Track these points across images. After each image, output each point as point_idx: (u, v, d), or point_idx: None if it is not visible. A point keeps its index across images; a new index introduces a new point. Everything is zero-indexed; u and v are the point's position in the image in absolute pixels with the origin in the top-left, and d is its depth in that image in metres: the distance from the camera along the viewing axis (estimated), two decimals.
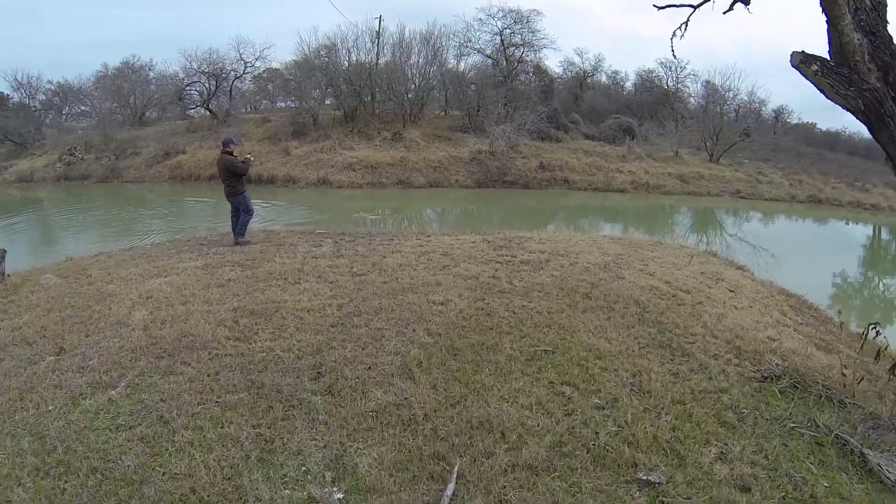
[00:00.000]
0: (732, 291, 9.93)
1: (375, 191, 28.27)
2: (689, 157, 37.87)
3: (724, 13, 5.55)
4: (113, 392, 5.23)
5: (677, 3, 5.86)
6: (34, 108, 50.51)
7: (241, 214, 11.95)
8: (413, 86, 37.31)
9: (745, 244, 20.01)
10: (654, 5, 5.62)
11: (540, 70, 41.25)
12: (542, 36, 39.96)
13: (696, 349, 6.54)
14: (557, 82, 44.93)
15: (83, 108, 48.78)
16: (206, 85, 43.86)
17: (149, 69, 46.56)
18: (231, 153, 11.61)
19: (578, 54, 49.56)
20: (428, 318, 6.98)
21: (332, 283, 8.55)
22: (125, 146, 37.63)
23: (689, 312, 7.86)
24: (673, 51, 5.19)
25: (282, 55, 43.61)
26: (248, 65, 44.13)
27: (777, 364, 6.18)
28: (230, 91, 44.30)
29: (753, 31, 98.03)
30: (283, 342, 6.25)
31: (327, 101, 39.43)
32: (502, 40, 39.66)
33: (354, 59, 38.00)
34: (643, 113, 44.93)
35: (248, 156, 12.19)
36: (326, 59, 37.59)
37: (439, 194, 27.91)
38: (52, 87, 51.51)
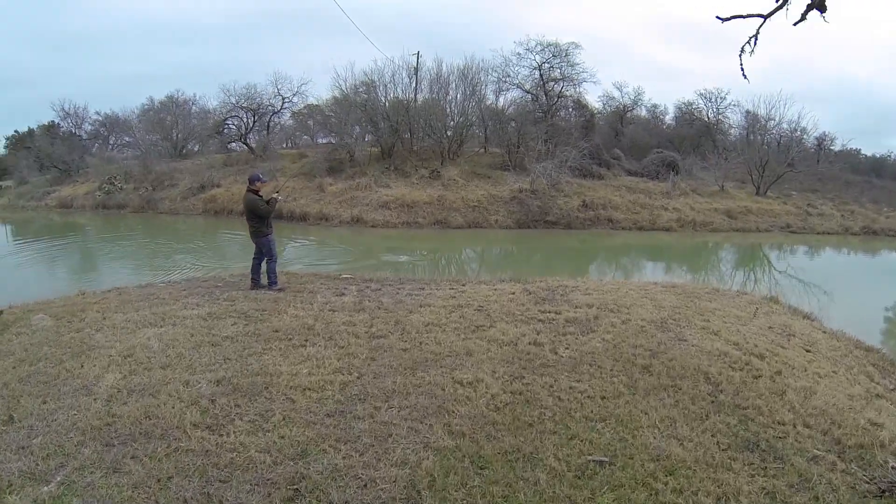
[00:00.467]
0: (809, 351, 8.72)
1: (411, 231, 26.88)
2: (734, 191, 35.99)
3: (796, 24, 4.44)
4: (44, 489, 4.32)
5: (744, 14, 4.75)
6: (81, 138, 52.61)
7: (262, 258, 11.15)
8: (451, 122, 36.28)
9: (801, 283, 18.37)
10: (718, 17, 4.55)
11: (580, 105, 40.03)
12: (581, 69, 38.47)
13: (789, 448, 5.25)
14: (597, 117, 43.69)
15: (128, 139, 49.22)
16: (245, 119, 43.69)
17: (192, 103, 46.80)
18: (256, 191, 10.78)
19: (618, 88, 47.50)
20: (451, 407, 5.79)
21: (342, 347, 7.52)
22: (163, 178, 37.85)
23: (769, 388, 6.66)
24: (742, 69, 4.15)
25: (319, 91, 43.80)
26: (286, 100, 43.68)
27: (893, 467, 4.86)
28: (268, 126, 44.12)
29: (782, 57, 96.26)
30: (261, 437, 5.14)
31: (366, 138, 38.59)
32: (541, 75, 38.41)
33: (392, 95, 36.97)
34: (685, 146, 43.39)
35: (276, 195, 11.23)
36: (365, 95, 36.50)
37: (478, 235, 26.46)
38: (100, 118, 53.76)
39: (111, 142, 52.44)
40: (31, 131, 55.23)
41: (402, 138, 36.13)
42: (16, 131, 58.78)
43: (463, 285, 11.95)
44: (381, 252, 21.27)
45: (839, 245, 29.31)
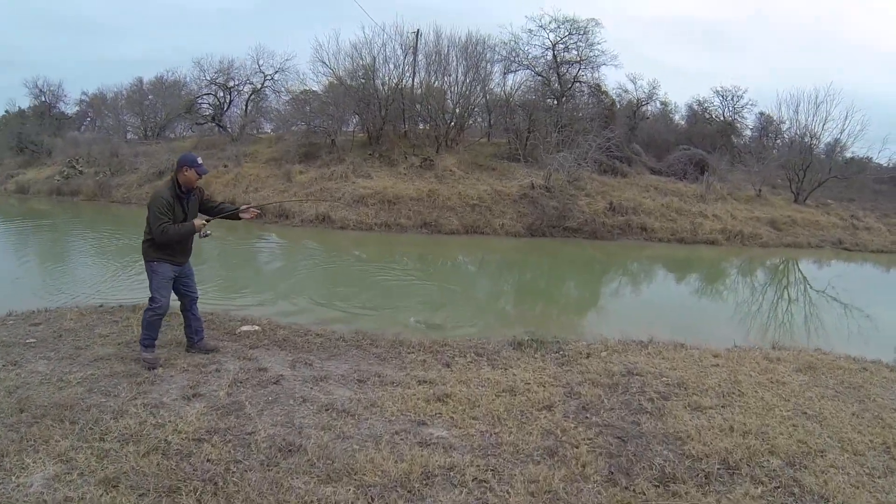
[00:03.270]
0: None
1: (391, 235, 19.36)
2: (772, 198, 28.92)
3: None
4: None
5: None
6: (59, 117, 48.36)
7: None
8: (450, 103, 29.05)
9: None
10: None
11: (599, 91, 32.08)
12: (600, 51, 30.38)
13: None
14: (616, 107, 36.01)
15: (110, 120, 44.07)
16: (220, 97, 37.77)
17: (182, 86, 40.52)
18: (178, 183, 6.12)
19: (632, 80, 40.00)
20: None
21: None
22: (125, 162, 32.02)
23: None
24: None
25: (304, 66, 37.27)
26: (268, 77, 36.76)
27: None
28: (246, 105, 37.54)
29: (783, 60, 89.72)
30: None
31: (354, 121, 31.48)
32: (555, 55, 30.31)
33: (384, 72, 29.48)
34: (704, 145, 36.28)
35: (204, 222, 6.36)
36: (363, 80, 28.96)
37: (477, 244, 18.30)
38: (86, 98, 49.58)
39: (97, 123, 47.27)
40: (21, 112, 49.95)
41: (392, 122, 28.83)
42: (6, 111, 52.37)
43: (447, 366, 6.78)
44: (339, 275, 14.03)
45: None
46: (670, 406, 5.61)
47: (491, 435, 4.81)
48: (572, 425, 5.02)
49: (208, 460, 4.35)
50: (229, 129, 35.14)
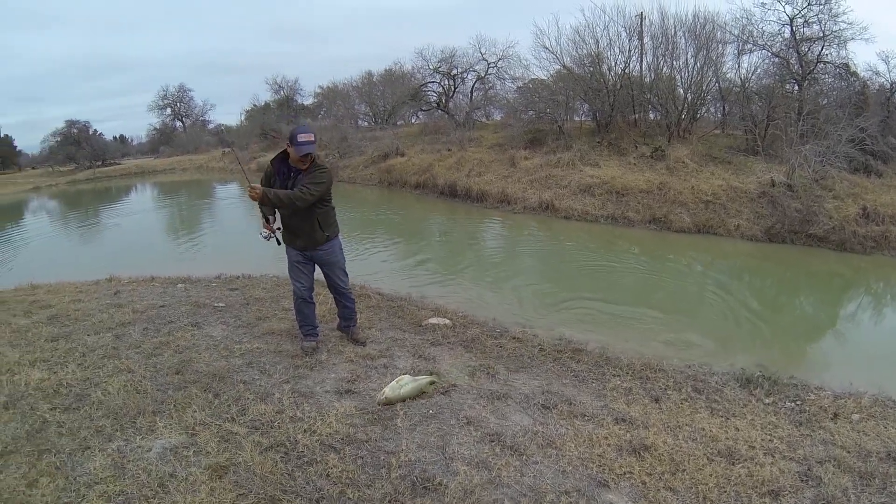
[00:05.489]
0: None
1: (617, 228, 17.86)
2: None
3: None
4: None
5: None
6: (303, 108, 55.53)
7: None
8: (681, 90, 26.71)
9: None
10: None
11: (847, 72, 27.77)
12: (846, 23, 25.02)
13: None
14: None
15: (342, 109, 48.82)
16: (444, 85, 38.90)
17: (411, 77, 42.37)
18: (286, 154, 5.72)
19: (884, 59, 34.32)
20: None
21: None
22: (353, 146, 34.75)
23: None
24: None
25: (524, 51, 37.65)
26: (491, 65, 36.89)
27: None
28: (471, 92, 38.10)
29: None
30: None
31: (583, 111, 30.13)
32: (793, 31, 26.49)
33: (609, 58, 27.80)
34: None
35: (268, 223, 5.97)
36: (590, 67, 27.68)
37: (709, 245, 16.07)
38: (321, 91, 54.55)
39: (333, 112, 51.14)
40: (266, 105, 58.12)
41: (621, 110, 27.10)
42: (254, 105, 61.23)
43: (655, 400, 5.52)
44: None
45: None
46: None
47: None
48: None
49: (326, 476, 3.89)
50: (455, 116, 35.39)
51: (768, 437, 4.67)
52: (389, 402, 4.83)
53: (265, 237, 5.90)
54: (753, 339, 8.39)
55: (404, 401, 4.87)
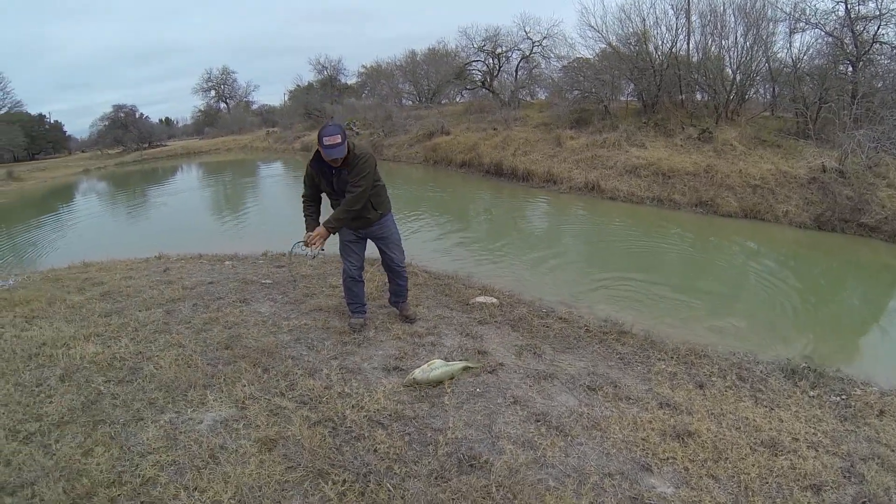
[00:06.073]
0: None
1: (662, 211, 17.65)
2: None
3: None
4: None
5: None
6: (347, 87, 56.66)
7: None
8: (729, 70, 25.96)
9: None
10: None
11: None
12: None
13: None
14: None
15: (386, 88, 49.15)
16: (488, 64, 39.14)
17: (455, 56, 42.94)
18: (319, 153, 5.49)
19: None
20: None
21: None
22: (397, 125, 34.82)
23: None
24: None
25: (569, 29, 36.89)
26: (536, 43, 36.71)
27: None
28: (516, 71, 37.98)
29: None
30: None
31: (629, 90, 29.65)
32: (848, 9, 25.17)
33: (655, 36, 27.36)
34: None
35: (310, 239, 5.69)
36: (636, 46, 27.35)
37: (756, 231, 15.64)
38: (364, 70, 55.53)
39: (376, 91, 51.68)
40: (310, 85, 59.65)
41: (668, 90, 26.63)
42: (297, 85, 62.79)
43: (700, 387, 5.56)
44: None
45: None
46: None
47: None
48: None
49: (374, 451, 4.02)
50: (500, 95, 35.27)
51: (812, 431, 4.67)
52: (417, 384, 4.93)
53: (312, 255, 5.81)
54: (799, 330, 8.30)
55: (433, 385, 4.95)
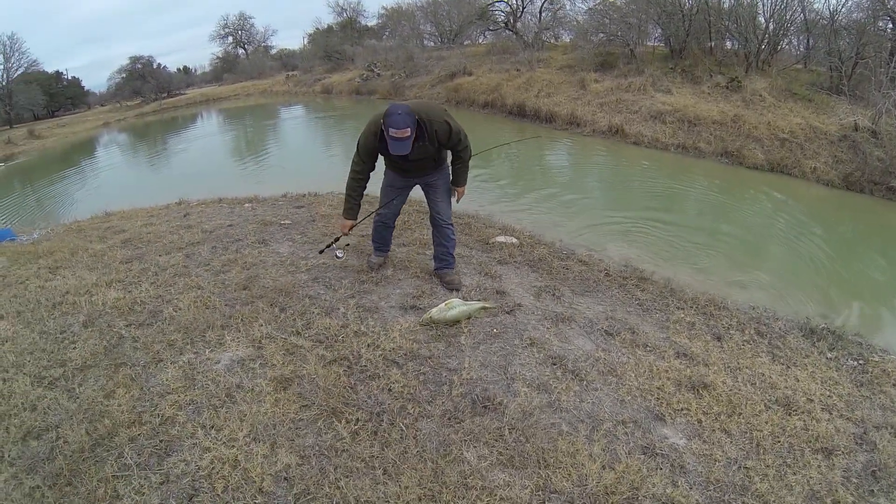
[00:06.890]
0: None
1: (686, 159, 17.29)
2: None
3: None
4: None
5: None
6: (367, 29, 57.84)
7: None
8: (762, 18, 24.97)
9: None
10: None
11: None
12: None
13: None
14: None
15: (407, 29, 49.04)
16: (511, 5, 37.82)
17: None
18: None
19: None
20: None
21: None
22: (419, 66, 34.86)
23: None
24: None
25: None
26: None
27: None
28: (539, 12, 36.75)
29: None
30: None
31: (656, 33, 28.84)
32: None
33: None
34: None
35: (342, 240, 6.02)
36: None
37: (782, 185, 15.11)
38: (385, 11, 55.95)
39: (397, 32, 51.41)
40: (329, 28, 61.09)
41: (697, 37, 25.93)
42: (316, 28, 63.86)
43: (717, 339, 5.47)
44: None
45: None
46: None
47: (739, 468, 3.61)
48: (850, 500, 3.47)
49: (388, 390, 4.07)
50: (524, 36, 34.36)
51: (827, 393, 4.59)
52: (434, 324, 4.91)
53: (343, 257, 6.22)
54: (820, 290, 8.16)
55: (450, 325, 4.93)
